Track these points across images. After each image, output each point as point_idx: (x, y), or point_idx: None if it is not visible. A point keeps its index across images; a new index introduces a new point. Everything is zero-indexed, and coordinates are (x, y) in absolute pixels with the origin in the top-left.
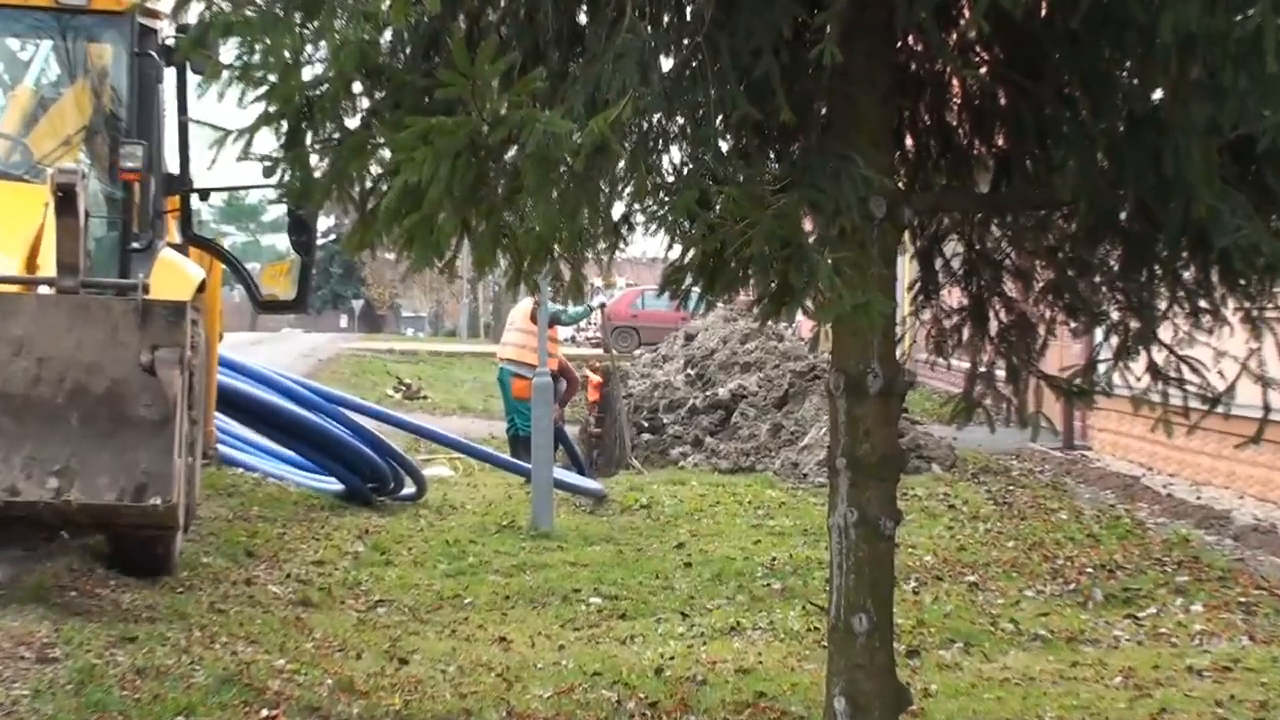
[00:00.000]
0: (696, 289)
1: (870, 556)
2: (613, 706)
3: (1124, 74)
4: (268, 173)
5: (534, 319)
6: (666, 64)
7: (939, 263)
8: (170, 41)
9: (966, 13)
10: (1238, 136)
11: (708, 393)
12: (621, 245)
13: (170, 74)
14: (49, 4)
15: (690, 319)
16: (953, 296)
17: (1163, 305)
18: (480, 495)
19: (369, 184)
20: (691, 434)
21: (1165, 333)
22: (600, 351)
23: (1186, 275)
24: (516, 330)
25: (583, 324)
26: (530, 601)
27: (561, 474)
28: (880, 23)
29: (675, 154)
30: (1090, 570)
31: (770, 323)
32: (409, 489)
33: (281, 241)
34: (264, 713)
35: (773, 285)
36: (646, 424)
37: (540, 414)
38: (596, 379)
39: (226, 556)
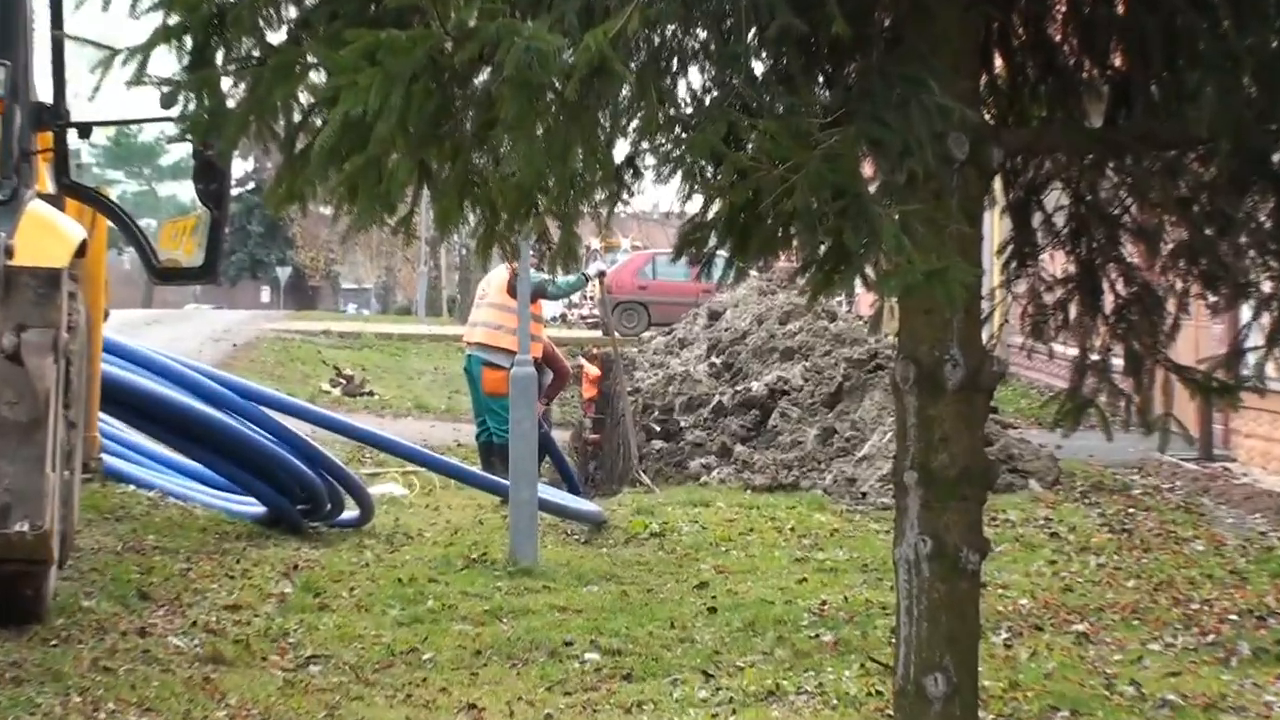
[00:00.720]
0: (723, 253)
1: (948, 599)
2: None
3: None
4: (167, 102)
5: (512, 292)
6: None
7: (1038, 219)
8: None
9: None
10: None
11: (738, 387)
12: (625, 196)
13: None
14: None
15: (715, 292)
16: (1056, 262)
17: None
18: (443, 520)
19: (298, 117)
20: (717, 441)
21: None
22: (598, 334)
23: None
24: (489, 307)
25: (576, 298)
26: (508, 658)
27: (548, 492)
28: None
29: (695, 78)
30: (1234, 617)
31: (820, 297)
32: (350, 512)
33: (185, 192)
34: None
35: (822, 248)
36: (658, 428)
37: (521, 415)
38: (594, 370)
39: (114, 599)
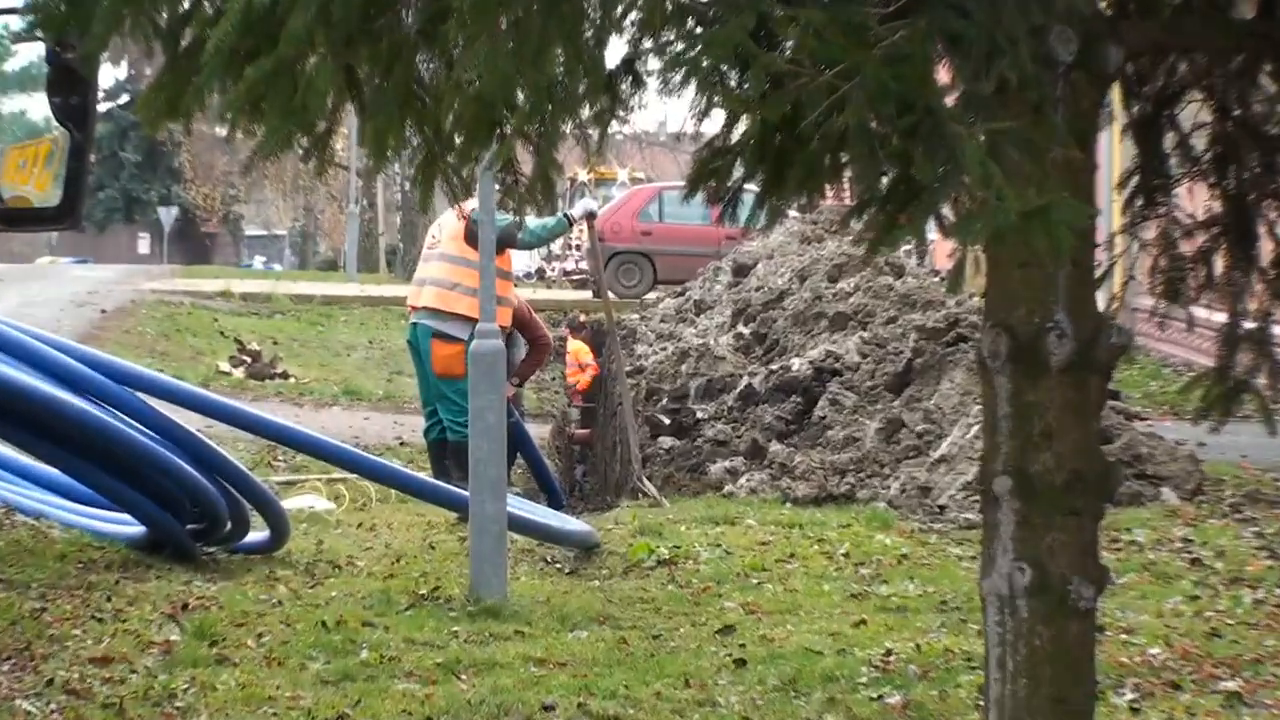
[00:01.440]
0: (751, 187)
1: (1054, 647)
2: None
3: None
4: None
5: (471, 240)
6: None
7: (1170, 141)
8: None
9: None
10: None
11: (773, 366)
12: (622, 113)
13: None
14: None
15: (742, 239)
16: (1195, 199)
17: None
18: (381, 543)
19: (186, 4)
20: (745, 437)
21: None
22: (587, 296)
23: None
24: (441, 260)
25: (557, 248)
26: None
27: (521, 506)
28: None
29: None
30: None
31: (881, 246)
32: (258, 533)
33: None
34: None
35: (883, 180)
36: (668, 420)
37: (483, 403)
38: (581, 351)
39: None
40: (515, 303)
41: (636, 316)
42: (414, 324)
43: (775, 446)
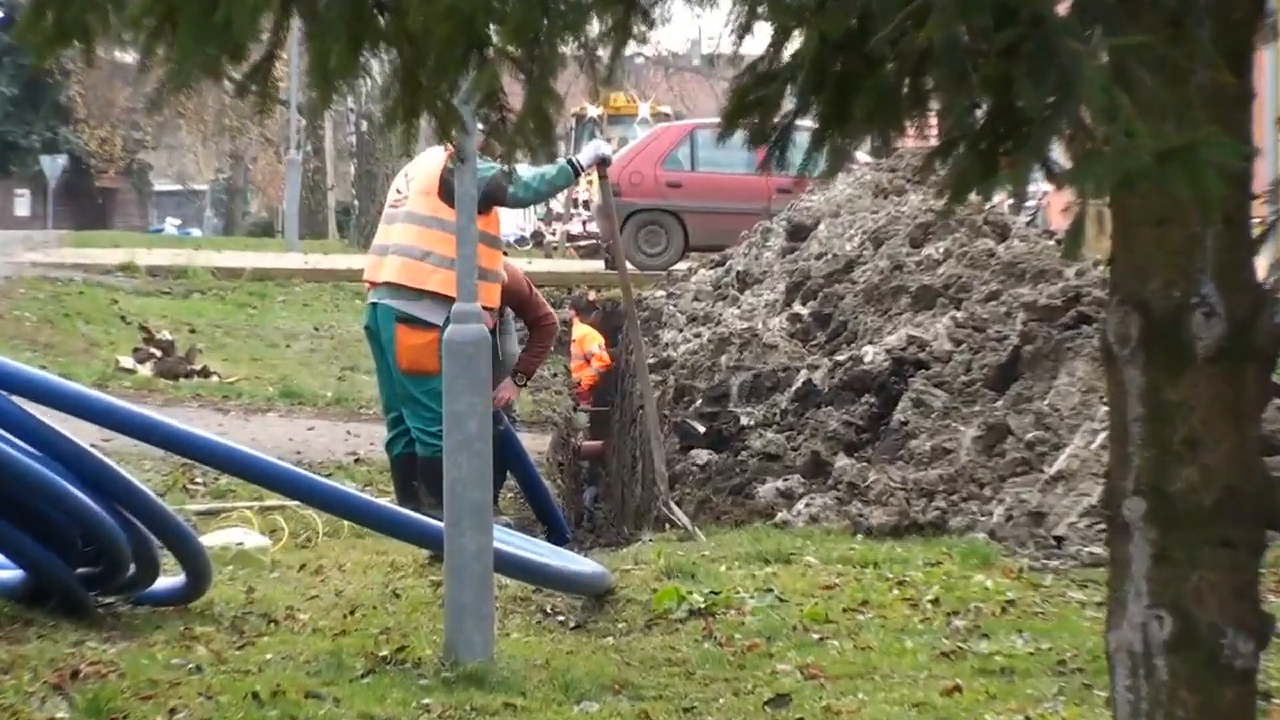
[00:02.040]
0: (807, 123)
1: (1202, 717)
2: None
3: None
4: None
5: (445, 194)
6: None
7: None
8: None
9: None
10: None
11: (840, 357)
12: (641, 28)
13: None
14: None
15: (797, 192)
16: None
17: None
18: (331, 589)
19: None
20: (804, 448)
21: None
22: (597, 267)
23: None
24: (409, 222)
25: (559, 204)
26: None
27: (512, 541)
28: None
29: None
30: None
31: (972, 199)
32: (171, 579)
33: None
34: None
35: (978, 113)
36: (703, 428)
37: (463, 406)
38: (587, 331)
39: None
40: (505, 277)
41: (662, 294)
42: (373, 305)
43: (842, 461)
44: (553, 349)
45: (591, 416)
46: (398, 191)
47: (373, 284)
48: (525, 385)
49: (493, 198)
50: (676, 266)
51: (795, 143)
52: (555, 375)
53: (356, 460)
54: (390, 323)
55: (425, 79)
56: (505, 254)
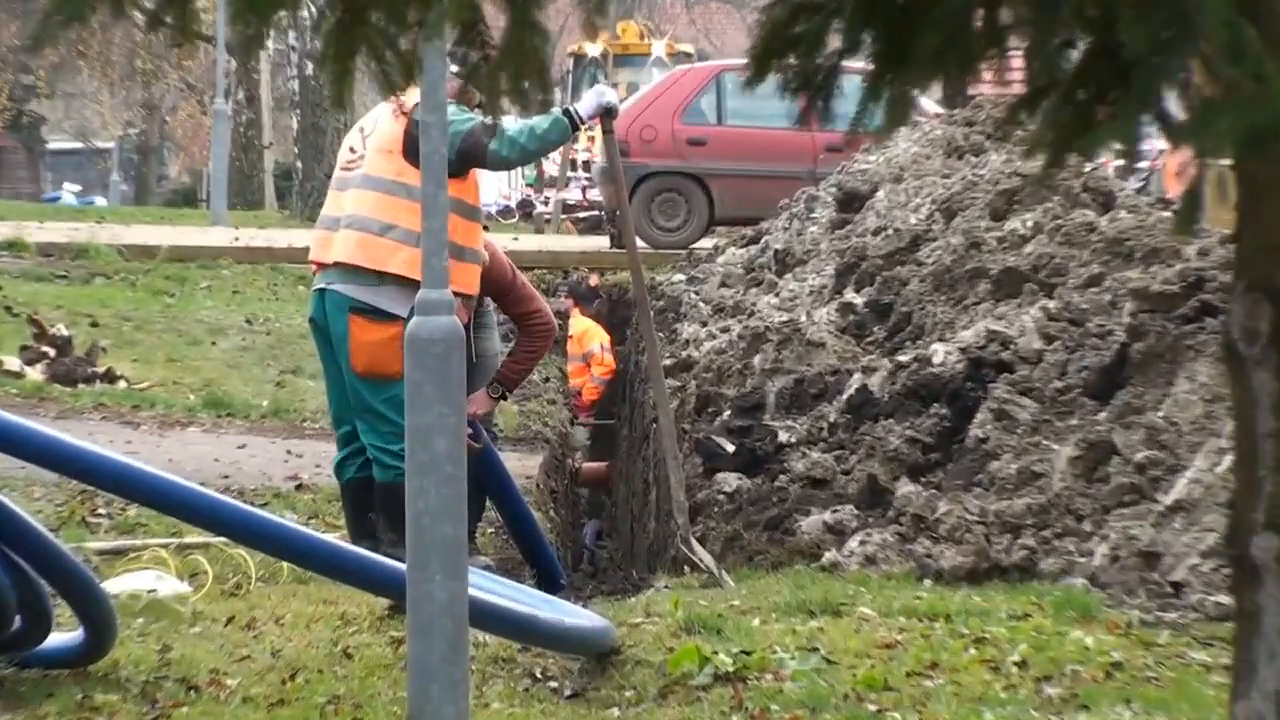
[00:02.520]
0: (857, 64)
1: None
2: None
3: None
4: None
5: (411, 152)
6: None
7: None
8: None
9: None
10: None
11: (903, 357)
12: None
13: None
14: None
15: (851, 151)
16: None
17: None
18: (265, 649)
19: None
20: (858, 471)
21: None
22: (602, 244)
23: None
24: (365, 186)
25: (553, 163)
26: None
27: (493, 588)
28: None
29: None
30: None
31: (1067, 160)
32: (66, 634)
33: None
34: None
35: (1072, 53)
36: (731, 446)
37: (430, 420)
38: (587, 325)
39: None
40: (486, 257)
41: (682, 279)
42: (321, 292)
43: (907, 488)
44: (548, 353)
45: (593, 432)
46: (351, 151)
47: (320, 266)
48: (505, 399)
49: (469, 157)
50: (699, 244)
51: (842, 90)
52: (548, 380)
53: (299, 486)
54: (342, 314)
55: (373, 14)
56: (485, 228)
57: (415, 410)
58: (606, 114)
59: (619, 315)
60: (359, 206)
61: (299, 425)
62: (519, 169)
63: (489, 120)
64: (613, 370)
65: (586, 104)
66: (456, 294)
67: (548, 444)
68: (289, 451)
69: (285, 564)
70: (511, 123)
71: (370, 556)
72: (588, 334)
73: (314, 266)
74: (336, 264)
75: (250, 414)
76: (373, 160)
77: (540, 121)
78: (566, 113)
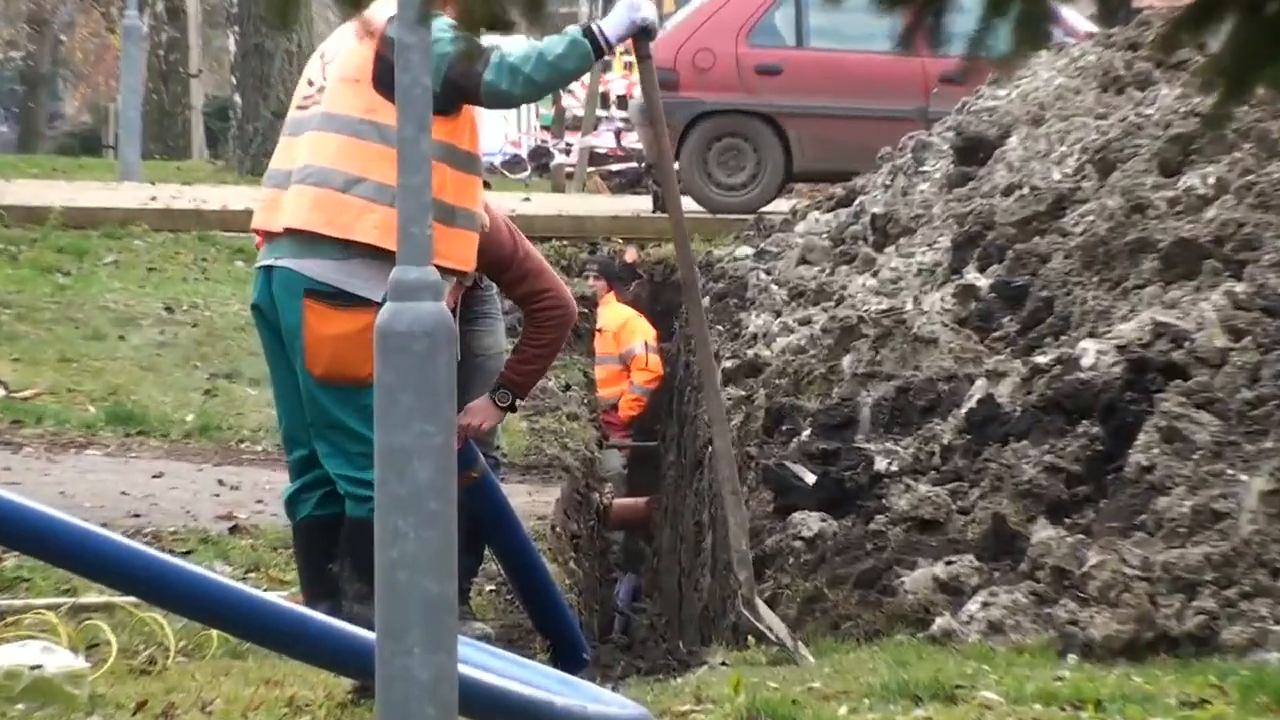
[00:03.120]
0: None
1: None
2: None
3: None
4: None
5: (383, 83)
6: None
7: None
8: None
9: None
10: None
11: (1040, 359)
12: None
13: None
14: None
15: (972, 82)
16: None
17: None
18: None
19: None
20: (979, 510)
21: None
22: (642, 205)
23: None
24: (325, 128)
25: (574, 100)
26: None
27: (490, 664)
28: None
29: None
30: None
31: (1264, 91)
32: None
33: None
34: None
35: None
36: (812, 476)
37: (405, 439)
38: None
39: None
40: (486, 221)
41: (748, 253)
42: (267, 269)
43: (1044, 532)
44: (565, 347)
45: (630, 458)
46: (309, 84)
47: (267, 235)
48: (515, 409)
49: (459, 88)
50: (772, 207)
51: (958, 1)
52: (569, 389)
53: (234, 529)
54: (296, 299)
55: None
56: (486, 185)
57: (389, 427)
58: (643, 34)
59: (665, 301)
60: (317, 154)
61: (235, 447)
62: (528, 106)
63: (476, 40)
64: (659, 377)
65: (615, 21)
66: (445, 270)
67: (567, 473)
68: (221, 482)
69: (215, 632)
70: (517, 45)
71: (331, 623)
72: (627, 328)
73: (258, 236)
74: (288, 232)
75: (170, 432)
76: (334, 93)
77: (553, 43)
78: (588, 32)
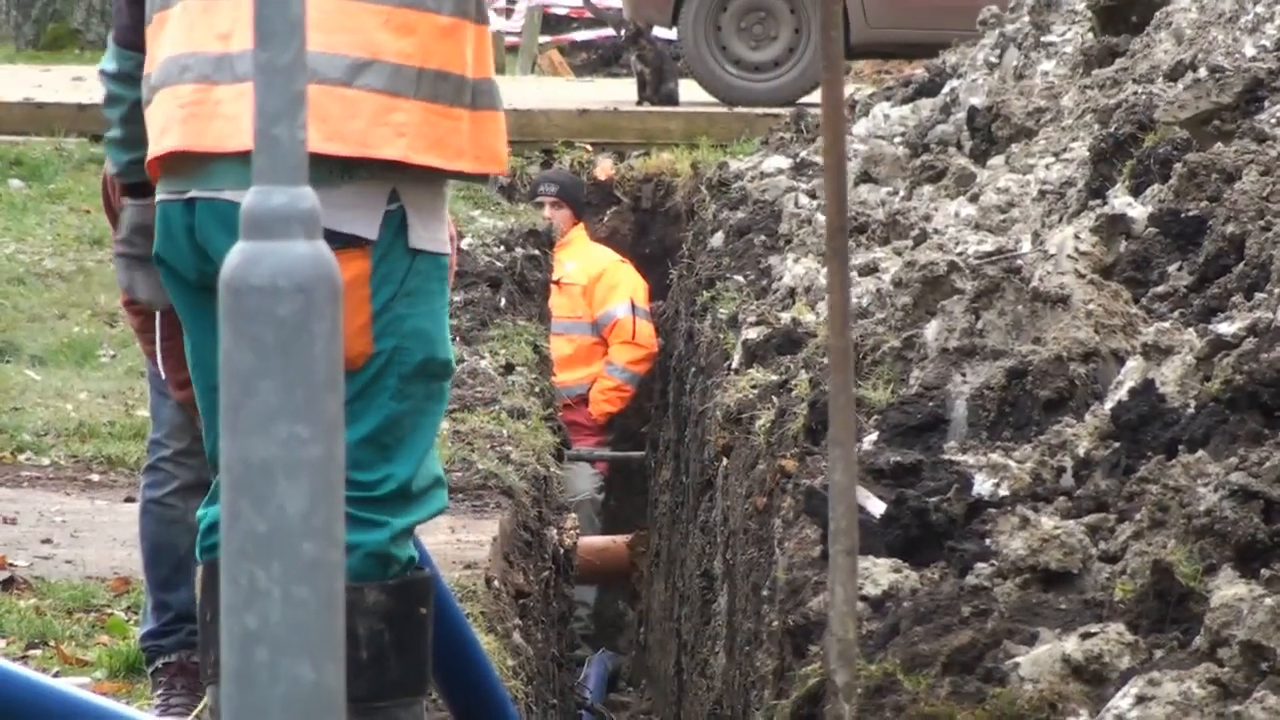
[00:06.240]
0: None
1: None
2: None
3: None
4: None
5: None
6: None
7: None
8: None
9: None
10: None
11: (1222, 328)
12: None
13: None
14: None
15: None
16: None
17: None
18: None
19: None
20: (1133, 554)
21: None
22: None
23: None
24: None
25: None
26: None
27: None
28: None
29: None
30: None
31: None
32: None
33: None
34: None
35: None
36: (881, 504)
37: (262, 446)
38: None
39: None
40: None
41: (780, 167)
42: (188, 204)
43: (1231, 588)
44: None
45: (605, 475)
46: None
47: (192, 157)
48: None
49: None
50: (816, 96)
51: None
52: (510, 370)
53: (8, 583)
54: (220, 220)
55: None
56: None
57: (241, 430)
58: None
59: (655, 239)
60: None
61: (10, 459)
62: None
63: None
64: (651, 355)
65: None
66: (468, 175)
67: (510, 499)
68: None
69: None
70: None
71: None
72: (604, 280)
73: (158, 159)
74: (240, 153)
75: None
76: None
77: None
78: None
